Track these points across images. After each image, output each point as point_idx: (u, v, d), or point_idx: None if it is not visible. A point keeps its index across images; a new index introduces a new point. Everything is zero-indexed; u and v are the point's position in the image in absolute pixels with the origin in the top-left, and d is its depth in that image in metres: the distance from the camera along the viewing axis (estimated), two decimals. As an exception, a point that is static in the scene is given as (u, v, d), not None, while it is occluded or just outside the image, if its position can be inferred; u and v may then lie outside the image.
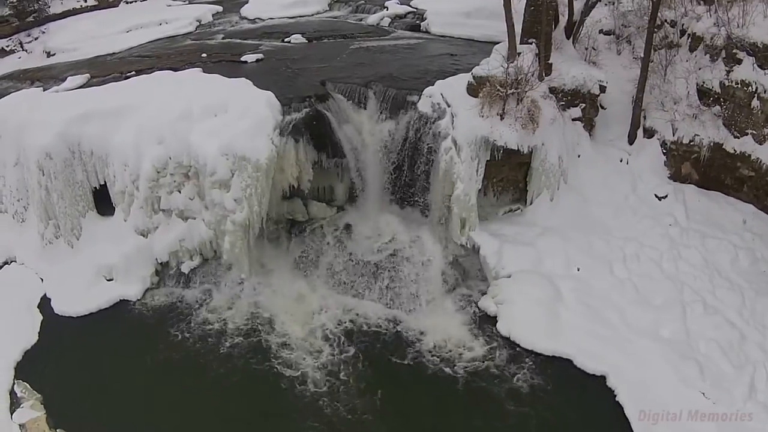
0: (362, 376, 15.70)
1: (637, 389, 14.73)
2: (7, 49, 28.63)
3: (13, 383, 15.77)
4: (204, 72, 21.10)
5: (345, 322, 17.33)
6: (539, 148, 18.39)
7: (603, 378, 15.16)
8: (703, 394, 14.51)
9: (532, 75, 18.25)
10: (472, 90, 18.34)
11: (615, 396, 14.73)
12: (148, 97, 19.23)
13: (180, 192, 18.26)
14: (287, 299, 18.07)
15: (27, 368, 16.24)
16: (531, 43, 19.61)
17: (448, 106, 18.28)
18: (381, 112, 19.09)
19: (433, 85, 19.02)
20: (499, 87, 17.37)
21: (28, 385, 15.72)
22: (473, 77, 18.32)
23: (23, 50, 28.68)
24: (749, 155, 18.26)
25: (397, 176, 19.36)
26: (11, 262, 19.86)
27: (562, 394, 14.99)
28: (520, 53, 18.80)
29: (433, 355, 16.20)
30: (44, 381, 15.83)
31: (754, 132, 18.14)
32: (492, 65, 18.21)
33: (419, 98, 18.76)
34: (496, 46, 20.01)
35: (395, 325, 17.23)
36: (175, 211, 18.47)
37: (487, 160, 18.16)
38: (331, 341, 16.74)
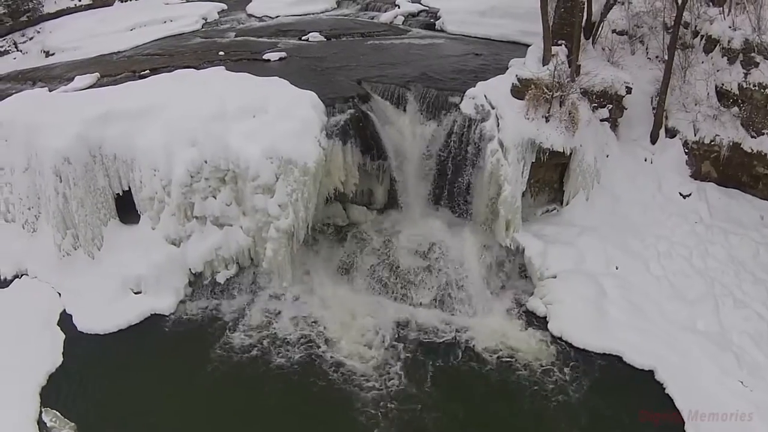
0: (418, 380, 14.34)
1: (684, 382, 14.18)
2: (1, 49, 25.35)
3: (41, 411, 13.38)
4: (228, 70, 18.77)
5: (394, 327, 15.79)
6: (578, 150, 17.34)
7: (651, 372, 14.53)
8: (742, 382, 14.14)
9: (568, 77, 17.07)
10: (517, 92, 16.96)
11: (665, 389, 14.11)
12: (173, 97, 17.03)
13: (215, 198, 16.17)
14: (331, 307, 16.33)
15: (54, 394, 13.87)
16: (561, 45, 18.37)
17: (493, 107, 16.84)
18: (422, 114, 17.52)
19: (472, 86, 17.54)
20: (545, 89, 16.04)
21: (58, 413, 13.41)
22: (518, 79, 16.90)
23: (18, 51, 25.55)
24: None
25: (439, 178, 17.86)
26: (22, 275, 17.25)
27: (615, 389, 14.28)
28: (554, 55, 17.53)
29: (487, 357, 14.98)
30: (75, 408, 13.56)
31: (770, 133, 17.60)
32: (538, 68, 16.83)
33: (461, 99, 17.27)
34: (530, 47, 18.70)
35: (446, 329, 15.87)
36: (210, 217, 16.34)
37: (532, 162, 16.84)
38: (382, 347, 15.21)
